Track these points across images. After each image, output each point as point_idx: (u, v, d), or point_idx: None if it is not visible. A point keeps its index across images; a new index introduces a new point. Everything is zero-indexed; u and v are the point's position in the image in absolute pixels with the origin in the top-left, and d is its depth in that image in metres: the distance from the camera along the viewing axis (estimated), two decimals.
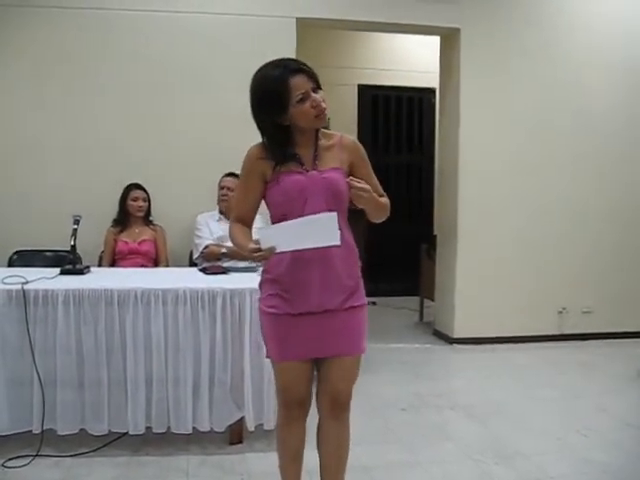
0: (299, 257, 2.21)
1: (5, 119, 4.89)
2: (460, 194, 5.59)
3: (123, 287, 3.26)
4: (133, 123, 5.00)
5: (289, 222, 2.14)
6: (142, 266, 4.55)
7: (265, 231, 2.15)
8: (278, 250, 2.09)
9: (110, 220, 4.77)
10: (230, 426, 3.38)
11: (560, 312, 5.76)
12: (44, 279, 3.37)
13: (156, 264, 4.71)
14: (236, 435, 3.42)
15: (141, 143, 5.01)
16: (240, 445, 3.41)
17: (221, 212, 4.80)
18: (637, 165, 5.86)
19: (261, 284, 2.39)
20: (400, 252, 7.59)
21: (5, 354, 3.18)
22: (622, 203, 5.84)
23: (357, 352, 2.38)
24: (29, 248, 4.66)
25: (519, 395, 4.34)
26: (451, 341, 5.69)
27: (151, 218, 4.85)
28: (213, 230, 4.71)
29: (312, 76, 2.23)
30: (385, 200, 2.38)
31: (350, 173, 2.32)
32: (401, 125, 8.02)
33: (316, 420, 2.47)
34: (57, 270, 3.64)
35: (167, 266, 4.72)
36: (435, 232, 6.67)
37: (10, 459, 3.12)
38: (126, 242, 4.67)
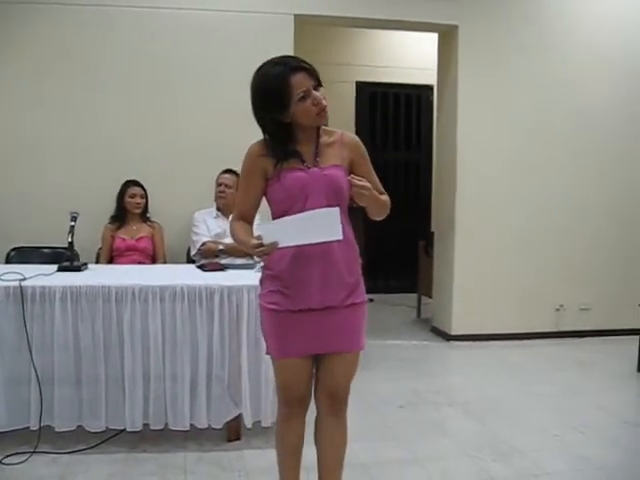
0: (300, 253, 2.21)
1: (5, 116, 4.88)
2: (458, 191, 5.59)
3: (121, 284, 3.25)
4: (132, 120, 4.99)
5: (291, 217, 2.14)
6: (139, 263, 4.55)
7: (267, 226, 2.14)
8: (280, 245, 2.09)
9: (108, 217, 4.77)
10: (228, 423, 3.38)
11: (557, 309, 5.77)
12: (41, 276, 3.36)
13: (153, 261, 4.71)
14: (234, 432, 3.42)
15: (140, 140, 5.01)
16: (238, 442, 3.41)
17: (218, 209, 4.79)
18: (635, 163, 5.86)
19: (262, 280, 2.39)
20: (398, 249, 7.61)
21: (2, 351, 3.18)
22: (620, 201, 5.85)
23: (357, 349, 2.38)
24: (27, 245, 4.67)
25: (516, 392, 4.34)
26: (449, 338, 5.70)
27: (148, 215, 4.84)
28: (210, 227, 4.71)
29: (313, 74, 2.23)
30: (385, 198, 2.38)
31: (351, 170, 2.33)
32: (399, 122, 8.01)
33: (313, 417, 2.47)
34: (54, 267, 3.64)
35: (164, 263, 4.72)
36: (433, 229, 6.69)
37: (7, 456, 3.12)
38: (123, 239, 4.67)
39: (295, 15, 5.15)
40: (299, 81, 2.18)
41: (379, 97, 7.93)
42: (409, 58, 7.63)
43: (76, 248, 3.84)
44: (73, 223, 3.81)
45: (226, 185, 4.72)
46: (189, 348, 3.27)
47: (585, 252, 5.81)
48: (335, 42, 7.45)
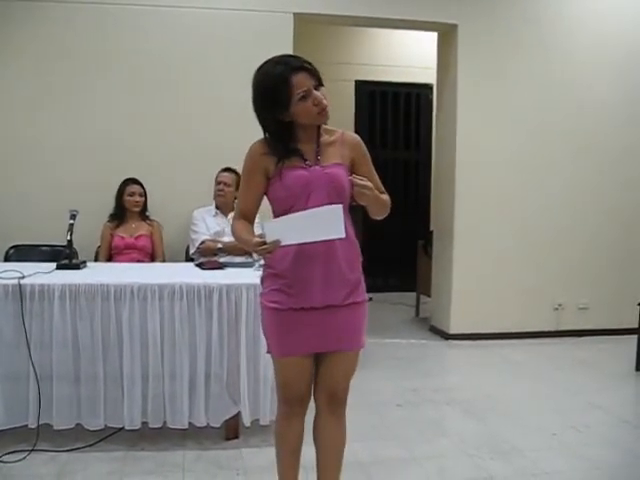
0: (303, 252, 2.21)
1: (4, 115, 4.88)
2: (457, 190, 5.59)
3: (119, 282, 3.25)
4: (131, 118, 4.99)
5: (294, 215, 2.14)
6: (138, 261, 4.55)
7: (270, 224, 2.13)
8: (283, 243, 2.09)
9: (107, 215, 4.76)
10: (226, 421, 3.38)
11: (556, 308, 5.78)
12: (40, 274, 3.36)
13: (152, 259, 4.71)
14: (232, 430, 3.42)
15: (139, 138, 5.01)
16: (236, 440, 3.41)
17: (217, 207, 4.79)
18: (635, 163, 5.86)
19: (263, 279, 2.39)
20: (397, 248, 7.60)
21: (1, 349, 3.17)
22: (620, 201, 5.85)
23: (357, 347, 2.39)
24: (25, 243, 4.66)
25: (515, 391, 4.34)
26: (447, 337, 5.70)
27: (148, 213, 4.84)
28: (209, 225, 4.71)
29: (314, 73, 2.23)
30: (386, 197, 2.38)
31: (351, 170, 2.33)
32: (398, 121, 8.00)
33: (312, 416, 2.47)
34: (53, 265, 3.64)
35: (163, 261, 4.72)
36: (432, 228, 6.68)
37: (6, 454, 3.12)
38: (122, 237, 4.67)
39: (294, 14, 5.15)
40: (300, 81, 2.18)
41: (378, 96, 7.92)
42: (409, 57, 7.62)
43: (75, 246, 3.84)
44: (72, 221, 3.81)
45: (225, 183, 4.72)
46: (188, 346, 3.27)
47: (584, 251, 5.81)
48: (334, 41, 7.44)
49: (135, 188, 4.77)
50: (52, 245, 4.56)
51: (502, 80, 5.59)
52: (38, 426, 3.18)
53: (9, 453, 3.12)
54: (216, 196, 4.79)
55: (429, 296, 6.30)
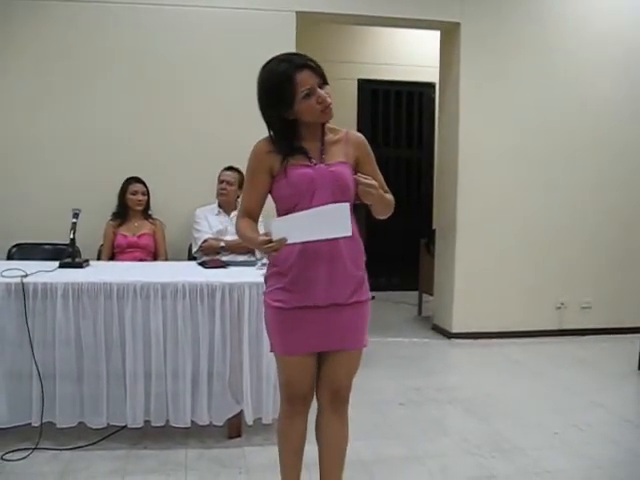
0: (308, 250, 2.21)
1: (7, 114, 4.88)
2: (459, 189, 5.59)
3: (122, 281, 3.25)
4: (133, 117, 5.00)
5: (301, 213, 2.14)
6: (141, 260, 4.55)
7: (277, 222, 2.13)
8: (290, 241, 2.09)
9: (109, 214, 4.77)
10: (229, 420, 3.39)
11: (559, 307, 5.77)
12: (43, 272, 3.37)
13: (155, 258, 4.72)
14: (235, 429, 3.43)
15: (142, 137, 5.01)
16: (239, 439, 3.42)
17: (220, 206, 4.80)
18: (638, 160, 5.85)
19: (267, 278, 2.39)
20: (399, 246, 7.61)
21: (4, 347, 3.18)
22: (622, 199, 5.84)
23: (361, 346, 2.39)
24: (28, 241, 4.66)
25: (517, 390, 4.34)
26: (449, 336, 5.70)
27: (150, 212, 4.85)
28: (212, 224, 4.72)
29: (318, 71, 2.23)
30: (390, 197, 2.38)
31: (355, 169, 2.33)
32: (401, 120, 8.01)
33: (314, 414, 2.47)
34: (56, 263, 3.64)
35: (166, 260, 4.72)
36: (434, 227, 6.68)
37: (9, 452, 3.12)
38: (125, 236, 4.67)
39: (297, 12, 5.15)
40: (303, 79, 2.19)
41: (381, 94, 7.92)
42: (411, 56, 7.63)
43: (78, 245, 3.83)
44: (75, 220, 3.81)
45: (228, 182, 4.73)
46: (190, 345, 3.27)
47: (586, 250, 5.81)
48: (337, 39, 7.44)
49: (138, 187, 4.78)
50: (55, 244, 4.55)
51: (504, 79, 5.58)
52: (41, 424, 3.19)
53: (12, 451, 3.13)
54: (219, 195, 4.79)
55: (431, 295, 6.30)
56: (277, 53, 2.28)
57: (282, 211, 2.29)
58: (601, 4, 5.68)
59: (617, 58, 5.72)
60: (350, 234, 2.13)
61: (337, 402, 2.42)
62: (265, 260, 2.39)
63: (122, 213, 4.77)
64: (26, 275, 3.24)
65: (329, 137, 2.35)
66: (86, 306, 3.20)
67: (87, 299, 3.20)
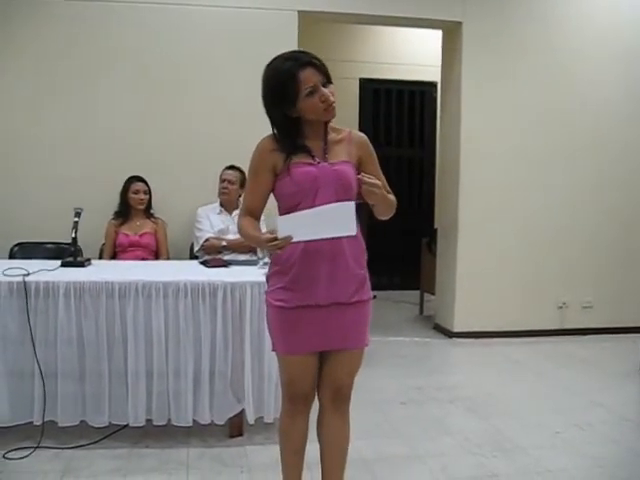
0: (309, 249, 2.21)
1: (9, 113, 4.89)
2: (461, 188, 5.59)
3: (124, 280, 3.26)
4: (135, 116, 5.00)
5: (305, 211, 2.14)
6: (143, 259, 4.55)
7: (282, 220, 2.13)
8: (295, 239, 2.09)
9: (111, 213, 4.77)
10: (230, 419, 3.39)
11: (560, 307, 5.77)
12: (45, 271, 3.37)
13: (157, 257, 4.72)
14: (236, 428, 3.43)
15: (143, 136, 5.02)
16: (240, 438, 3.42)
17: (222, 205, 4.80)
18: (638, 159, 5.84)
19: (268, 277, 2.39)
20: (401, 246, 7.61)
21: (6, 346, 3.18)
22: (623, 199, 5.84)
23: (362, 345, 2.39)
24: (30, 240, 4.67)
25: (519, 389, 4.35)
26: (451, 335, 5.70)
27: (152, 211, 4.85)
28: (214, 223, 4.72)
29: (322, 70, 2.24)
30: (392, 197, 2.38)
31: (358, 168, 2.33)
32: (402, 119, 8.01)
33: (316, 413, 2.47)
34: (58, 262, 3.64)
35: (168, 259, 4.72)
36: (436, 226, 6.68)
37: (11, 450, 3.13)
38: (127, 235, 4.67)
39: (299, 12, 5.16)
40: (307, 77, 2.19)
41: (383, 94, 7.93)
42: (413, 55, 7.63)
43: (79, 244, 3.84)
44: (77, 219, 3.81)
45: (229, 181, 4.73)
46: (192, 344, 3.27)
47: (587, 250, 5.80)
48: (339, 38, 7.44)
49: (140, 186, 4.78)
50: (57, 243, 4.56)
51: (506, 78, 5.57)
52: (43, 423, 3.19)
53: (14, 450, 3.14)
54: (220, 194, 4.79)
55: (433, 294, 6.30)
56: (279, 52, 2.28)
57: (285, 209, 2.28)
58: (604, 2, 5.68)
59: (618, 57, 5.71)
60: (354, 234, 2.14)
61: (338, 401, 2.42)
62: (267, 259, 2.39)
63: (124, 212, 4.77)
64: (28, 274, 3.24)
65: (332, 136, 2.35)
66: (88, 305, 3.21)
67: (89, 298, 3.20)
